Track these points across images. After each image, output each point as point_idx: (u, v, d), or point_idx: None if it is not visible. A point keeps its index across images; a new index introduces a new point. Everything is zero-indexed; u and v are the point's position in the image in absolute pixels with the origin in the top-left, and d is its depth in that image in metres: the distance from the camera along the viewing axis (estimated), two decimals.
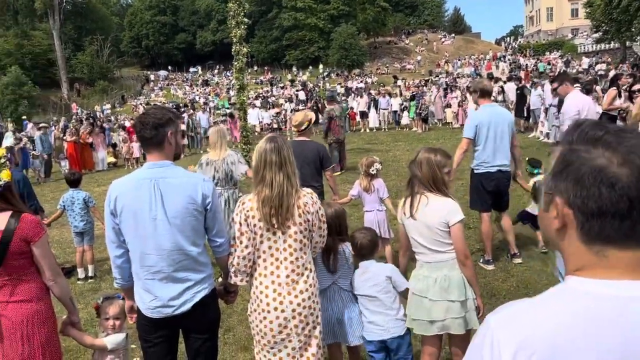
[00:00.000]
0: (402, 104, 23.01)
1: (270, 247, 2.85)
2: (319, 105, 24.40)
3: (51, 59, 50.35)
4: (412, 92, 23.45)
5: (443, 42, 62.15)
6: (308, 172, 5.58)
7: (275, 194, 2.80)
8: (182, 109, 29.45)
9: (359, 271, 3.39)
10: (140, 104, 44.43)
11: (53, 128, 21.75)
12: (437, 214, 3.10)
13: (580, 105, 6.09)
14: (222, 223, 2.98)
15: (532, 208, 6.37)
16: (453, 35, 65.68)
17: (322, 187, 5.90)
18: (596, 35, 43.22)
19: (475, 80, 7.99)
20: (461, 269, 3.13)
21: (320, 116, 24.08)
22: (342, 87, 40.61)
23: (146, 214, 2.69)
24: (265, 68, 59.29)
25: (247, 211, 2.84)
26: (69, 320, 3.10)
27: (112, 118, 31.19)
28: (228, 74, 61.27)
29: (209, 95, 45.42)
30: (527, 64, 40.38)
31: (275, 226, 2.81)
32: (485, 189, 5.81)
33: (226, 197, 6.09)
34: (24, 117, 31.76)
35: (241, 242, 2.84)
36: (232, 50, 13.82)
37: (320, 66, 54.24)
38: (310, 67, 55.23)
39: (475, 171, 5.88)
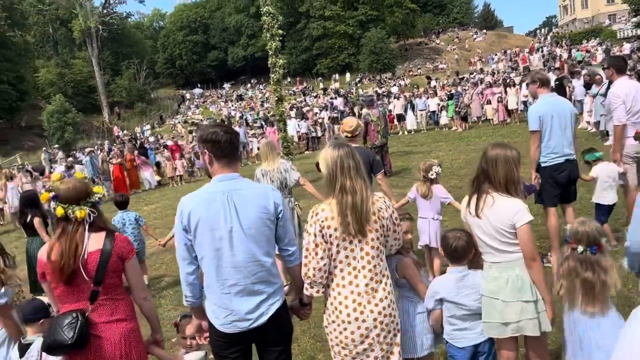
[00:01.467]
0: (440, 104, 22.72)
1: (347, 257, 2.79)
2: (354, 111, 24.45)
3: (91, 85, 52.05)
4: (449, 91, 23.11)
5: (475, 39, 61.17)
6: None
7: (358, 200, 2.74)
8: None
9: (454, 277, 3.21)
10: (178, 122, 45.40)
11: (99, 152, 22.40)
12: (503, 215, 2.98)
13: (624, 94, 5.74)
14: (292, 231, 2.98)
15: (598, 198, 6.12)
16: (484, 31, 64.49)
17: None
18: (635, 19, 41.71)
19: (532, 71, 7.77)
20: (528, 272, 2.99)
21: None
22: (374, 91, 40.70)
23: (222, 226, 2.68)
24: (297, 78, 59.68)
25: (322, 221, 2.77)
26: (152, 339, 3.15)
27: (152, 138, 31.95)
28: (261, 87, 62.27)
29: (244, 109, 46.04)
30: (561, 55, 39.33)
31: (353, 233, 2.75)
32: (558, 182, 5.58)
33: None
34: (57, 145, 32.87)
35: (316, 254, 2.77)
36: (268, 62, 13.99)
37: (347, 75, 54.27)
38: (336, 76, 55.17)
39: (543, 164, 5.65)
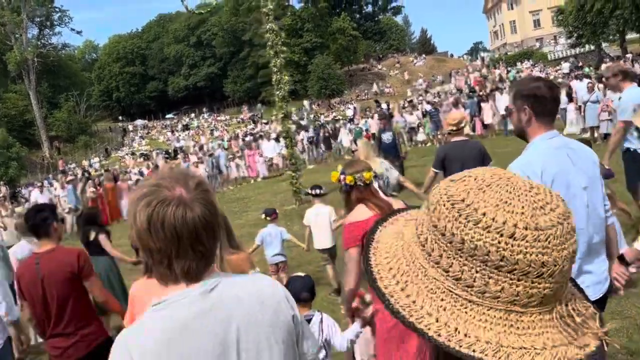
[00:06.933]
0: (418, 121, 23.11)
1: None
2: (329, 133, 24.59)
3: (27, 119, 49.18)
4: (426, 109, 23.62)
5: (415, 63, 63.43)
6: None
7: None
8: (170, 155, 29.49)
9: None
10: (126, 154, 43.70)
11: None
12: None
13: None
14: None
15: None
16: (424, 56, 67.16)
17: None
18: (564, 41, 44.84)
19: (612, 64, 8.03)
20: None
21: (332, 142, 24.36)
22: (325, 116, 41.54)
23: (575, 183, 2.52)
24: (243, 107, 59.41)
25: None
26: None
27: (102, 170, 30.50)
28: (205, 116, 61.37)
29: (193, 138, 45.06)
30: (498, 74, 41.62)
31: None
32: None
33: None
34: (1, 182, 30.50)
35: None
36: (273, 79, 13.73)
37: (305, 102, 54.43)
38: (306, 104, 54.97)
39: (634, 149, 5.80)
